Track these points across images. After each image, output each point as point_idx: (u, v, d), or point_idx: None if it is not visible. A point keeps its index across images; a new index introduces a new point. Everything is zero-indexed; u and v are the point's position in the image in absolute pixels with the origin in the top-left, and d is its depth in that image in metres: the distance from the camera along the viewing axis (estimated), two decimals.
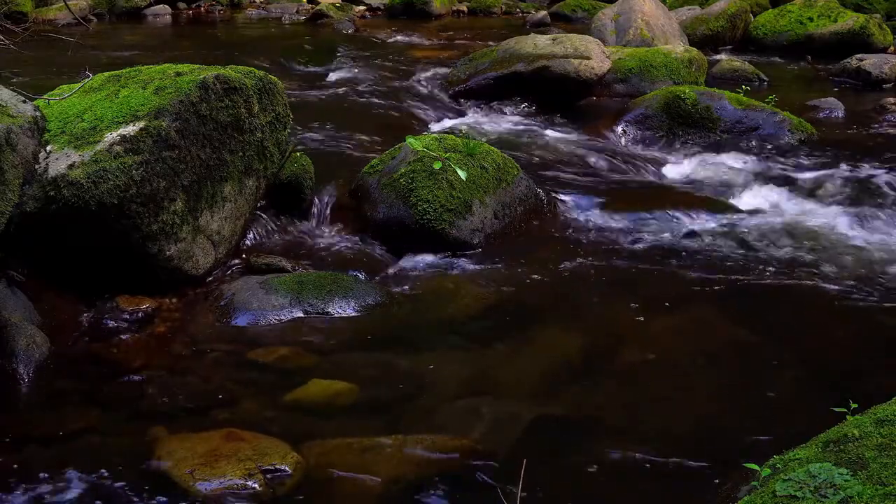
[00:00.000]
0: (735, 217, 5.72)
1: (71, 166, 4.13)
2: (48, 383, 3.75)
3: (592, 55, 7.91)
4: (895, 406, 2.67)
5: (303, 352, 4.05)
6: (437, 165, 5.12)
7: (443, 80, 8.55)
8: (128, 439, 3.38)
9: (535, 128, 7.49)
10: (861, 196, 6.10)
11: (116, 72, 4.83)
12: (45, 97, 4.43)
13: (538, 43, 8.12)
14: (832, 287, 4.75)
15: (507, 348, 4.18)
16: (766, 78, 9.67)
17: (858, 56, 10.09)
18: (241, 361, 3.98)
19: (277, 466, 3.16)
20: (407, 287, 4.74)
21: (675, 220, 5.63)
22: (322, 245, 5.22)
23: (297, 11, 14.28)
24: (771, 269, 4.99)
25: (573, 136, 7.28)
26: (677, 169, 6.72)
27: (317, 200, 5.49)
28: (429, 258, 5.03)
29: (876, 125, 8.11)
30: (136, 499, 3.03)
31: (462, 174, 4.53)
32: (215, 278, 4.69)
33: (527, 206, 5.58)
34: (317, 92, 8.42)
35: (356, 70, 9.42)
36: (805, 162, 6.81)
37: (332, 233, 5.36)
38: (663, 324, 4.41)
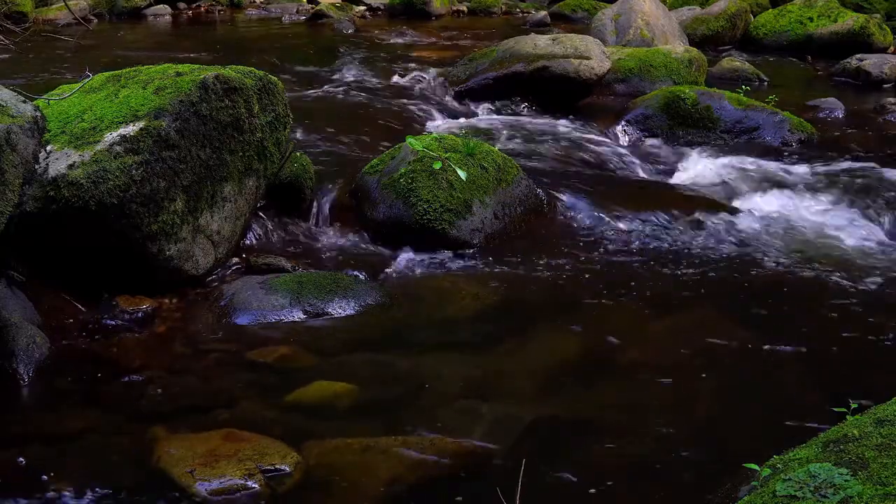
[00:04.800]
0: (735, 217, 5.71)
1: (71, 166, 4.13)
2: (48, 383, 3.75)
3: (592, 55, 7.91)
4: (895, 406, 2.67)
5: (303, 352, 4.05)
6: (437, 165, 5.12)
7: (443, 80, 8.54)
8: (128, 439, 3.38)
9: (535, 128, 7.48)
10: (861, 196, 6.10)
11: (116, 72, 4.83)
12: (45, 97, 4.43)
13: (538, 43, 8.12)
14: (832, 287, 4.76)
15: (506, 348, 4.18)
16: (766, 78, 9.67)
17: (858, 56, 10.09)
18: (241, 361, 3.98)
19: (277, 466, 3.16)
20: (407, 287, 4.74)
21: (674, 220, 5.63)
22: (322, 245, 5.22)
23: (297, 11, 14.26)
24: (771, 269, 5.00)
25: (573, 137, 7.27)
26: (677, 169, 6.71)
27: (317, 200, 5.49)
28: (429, 258, 5.03)
29: (876, 125, 8.11)
30: (136, 499, 3.04)
31: (462, 174, 4.52)
32: (215, 278, 4.69)
33: (527, 206, 5.58)
34: (317, 92, 8.41)
35: (356, 70, 9.42)
36: (805, 162, 6.81)
37: (332, 233, 5.36)
38: (663, 324, 4.41)
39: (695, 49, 9.16)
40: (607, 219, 5.63)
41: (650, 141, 7.30)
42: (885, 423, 2.56)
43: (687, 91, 7.52)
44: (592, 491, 3.15)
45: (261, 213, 5.21)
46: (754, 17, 12.01)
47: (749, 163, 6.74)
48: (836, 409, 2.94)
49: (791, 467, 2.48)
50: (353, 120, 7.37)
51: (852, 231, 5.57)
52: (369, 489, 3.11)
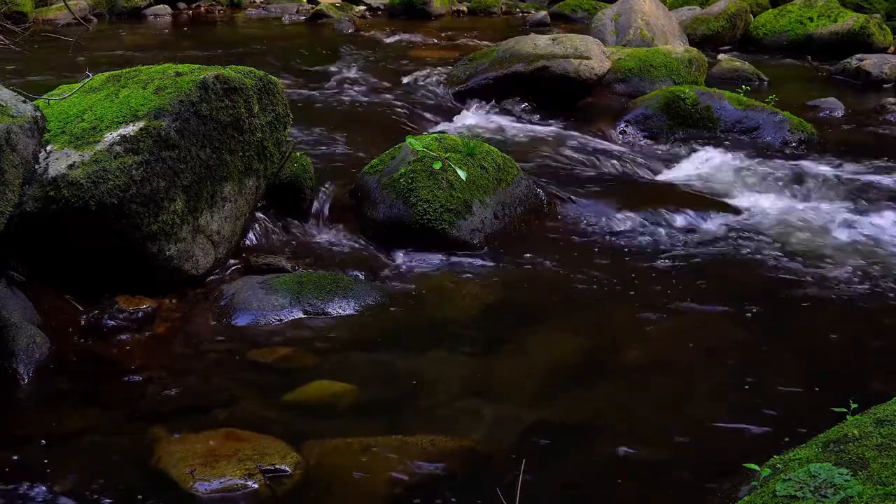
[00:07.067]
0: (735, 217, 5.72)
1: (71, 166, 4.13)
2: (48, 383, 3.75)
3: (592, 55, 7.91)
4: (895, 406, 2.67)
5: (303, 352, 4.05)
6: (437, 165, 5.12)
7: (443, 80, 8.54)
8: (128, 439, 3.38)
9: (535, 128, 7.48)
10: (861, 196, 6.10)
11: (116, 72, 4.83)
12: (45, 97, 4.43)
13: (538, 43, 8.12)
14: (832, 287, 4.76)
15: (506, 349, 4.18)
16: (766, 78, 9.67)
17: (858, 56, 10.09)
18: (241, 361, 3.98)
19: (277, 466, 3.16)
20: (407, 287, 4.74)
21: (674, 220, 5.63)
22: (322, 245, 5.22)
23: (297, 11, 14.26)
24: (770, 269, 5.00)
25: (573, 136, 7.27)
26: (677, 169, 6.72)
27: (317, 200, 5.49)
28: (429, 258, 5.03)
29: (876, 125, 8.11)
30: (136, 499, 3.03)
31: (462, 174, 4.52)
32: (215, 278, 4.68)
33: (527, 206, 5.58)
34: (317, 92, 8.42)
35: (356, 70, 9.42)
36: (805, 162, 6.81)
37: (332, 233, 5.36)
38: (663, 324, 4.41)
39: (695, 49, 9.16)
40: (607, 219, 5.63)
41: (650, 141, 7.30)
42: (885, 423, 2.56)
43: (687, 91, 7.52)
44: (592, 491, 3.16)
45: (261, 213, 5.21)
46: (754, 17, 12.00)
47: (749, 163, 6.75)
48: (836, 409, 2.94)
49: (791, 467, 2.48)
50: (353, 120, 7.37)
51: (852, 231, 5.57)
52: (369, 489, 3.11)
